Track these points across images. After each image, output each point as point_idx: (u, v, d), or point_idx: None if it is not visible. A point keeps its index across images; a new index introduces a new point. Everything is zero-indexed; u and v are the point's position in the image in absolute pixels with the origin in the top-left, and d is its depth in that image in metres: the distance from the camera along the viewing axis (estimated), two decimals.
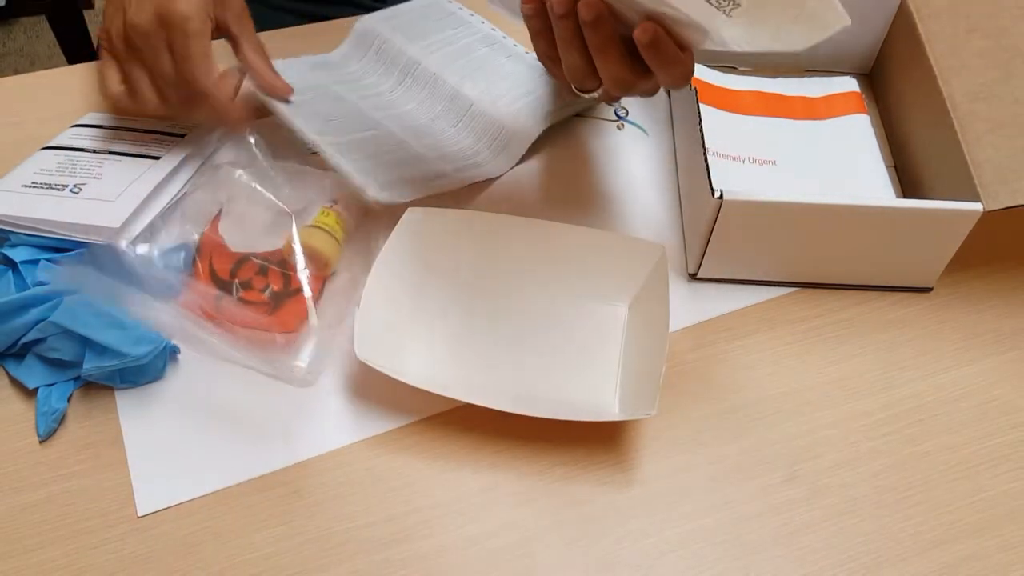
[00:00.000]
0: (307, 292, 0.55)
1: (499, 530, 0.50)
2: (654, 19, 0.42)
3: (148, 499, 0.51)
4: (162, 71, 0.57)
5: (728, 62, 0.74)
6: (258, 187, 0.60)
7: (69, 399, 0.54)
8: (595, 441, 0.54)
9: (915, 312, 0.61)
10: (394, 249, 0.58)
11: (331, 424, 0.54)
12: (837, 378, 0.58)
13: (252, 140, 0.62)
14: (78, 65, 0.76)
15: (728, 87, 0.72)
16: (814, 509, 0.52)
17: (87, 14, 0.95)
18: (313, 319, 0.54)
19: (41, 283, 0.55)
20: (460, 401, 0.52)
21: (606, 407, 0.55)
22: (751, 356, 0.58)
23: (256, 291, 0.56)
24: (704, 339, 0.59)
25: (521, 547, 0.50)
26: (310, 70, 0.69)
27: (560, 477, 0.52)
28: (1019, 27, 0.61)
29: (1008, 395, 0.57)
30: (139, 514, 0.50)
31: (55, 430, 0.53)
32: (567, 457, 0.53)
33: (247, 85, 0.62)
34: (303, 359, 0.52)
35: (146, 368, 0.54)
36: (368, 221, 0.61)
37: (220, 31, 0.59)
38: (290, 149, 0.67)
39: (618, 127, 0.73)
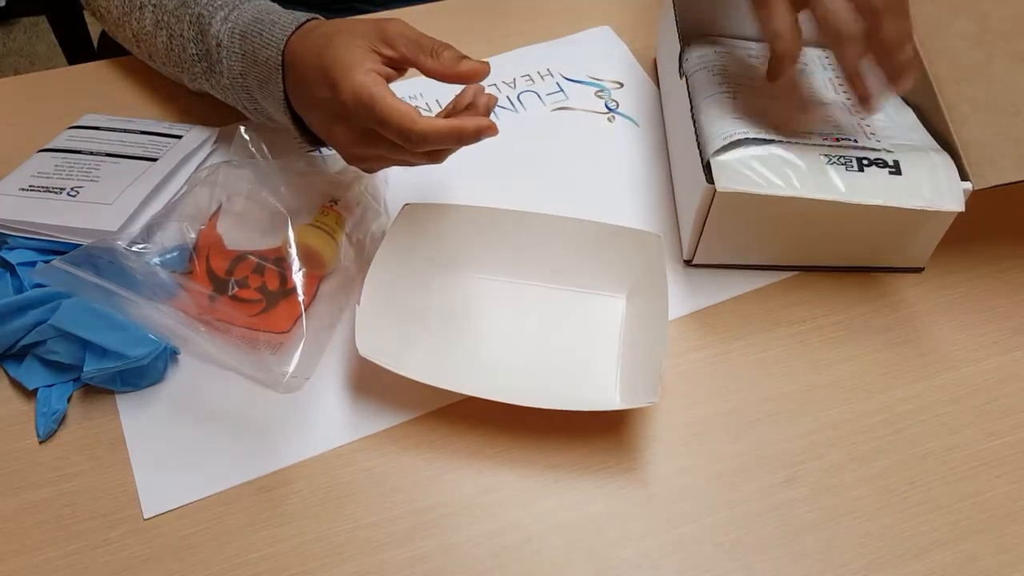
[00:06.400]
0: (300, 295, 0.55)
1: (500, 531, 0.50)
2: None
3: (153, 501, 0.51)
4: (400, 155, 0.53)
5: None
6: (256, 186, 0.59)
7: (69, 400, 0.54)
8: (596, 442, 0.54)
9: (916, 312, 0.61)
10: (392, 244, 0.58)
11: (333, 422, 0.54)
12: (838, 378, 0.57)
13: (248, 138, 0.62)
14: (78, 65, 0.76)
15: None
16: (815, 510, 0.52)
17: (87, 14, 0.94)
18: (303, 322, 0.54)
19: (39, 285, 0.55)
20: (461, 395, 0.52)
21: (607, 397, 0.55)
22: (752, 356, 0.58)
23: (252, 289, 0.56)
24: (705, 339, 0.59)
25: (522, 548, 0.50)
26: None
27: (561, 478, 0.52)
28: (1001, 10, 0.62)
29: (1009, 396, 0.57)
30: (145, 516, 0.50)
31: (55, 431, 0.53)
32: (568, 458, 0.53)
33: None
34: (290, 364, 0.51)
35: (146, 370, 0.54)
36: (366, 220, 0.61)
37: (399, 63, 0.53)
38: (290, 148, 0.67)
39: (609, 119, 0.73)
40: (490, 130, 0.51)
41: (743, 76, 0.66)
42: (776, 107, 0.63)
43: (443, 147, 0.51)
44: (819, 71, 0.70)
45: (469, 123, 0.50)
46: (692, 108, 0.61)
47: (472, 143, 0.51)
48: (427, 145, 0.50)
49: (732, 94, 0.64)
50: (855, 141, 0.60)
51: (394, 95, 0.50)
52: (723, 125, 0.60)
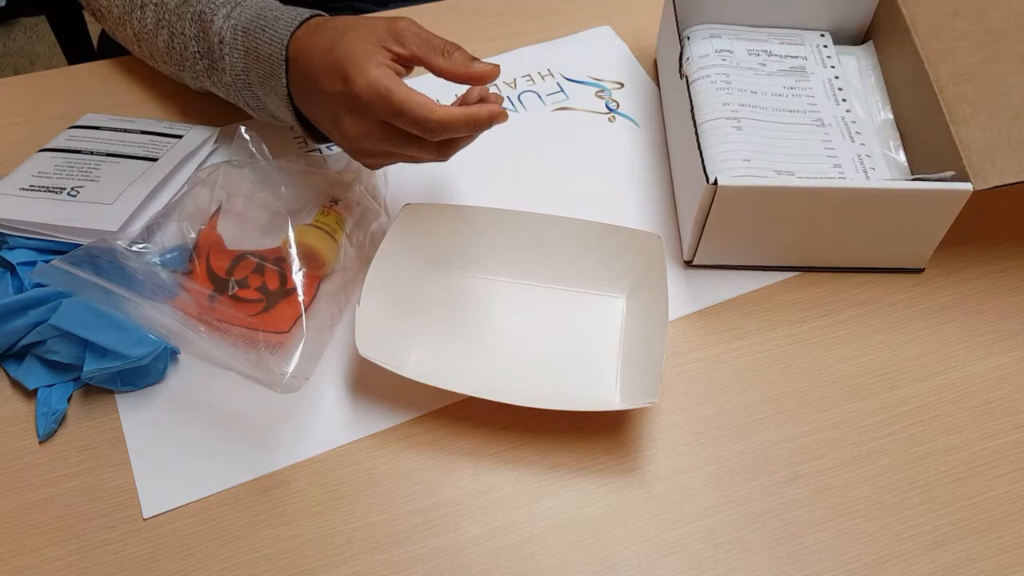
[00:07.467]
0: (300, 295, 0.55)
1: (500, 531, 0.50)
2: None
3: (153, 501, 0.51)
4: (410, 150, 0.54)
5: None
6: (256, 186, 0.60)
7: (69, 400, 0.54)
8: (596, 442, 0.54)
9: (917, 313, 0.61)
10: (392, 245, 0.58)
11: (332, 422, 0.54)
12: (839, 378, 0.57)
13: (248, 138, 0.62)
14: (78, 65, 0.76)
15: None
16: (815, 510, 0.52)
17: (87, 14, 0.94)
18: (303, 323, 0.54)
19: (39, 285, 0.55)
20: (461, 395, 0.52)
21: (607, 397, 0.55)
22: (752, 357, 0.58)
23: (252, 289, 0.56)
24: (705, 339, 0.59)
25: (522, 548, 0.50)
26: None
27: (561, 478, 0.52)
28: (1001, 11, 0.62)
29: (1010, 395, 0.57)
30: (145, 516, 0.50)
31: (55, 431, 0.53)
32: (568, 458, 0.53)
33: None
34: (290, 364, 0.51)
35: (146, 370, 0.54)
36: (366, 220, 0.61)
37: (408, 61, 0.54)
38: (290, 148, 0.67)
39: (609, 119, 0.73)
40: (501, 116, 0.52)
41: (745, 85, 0.67)
42: (778, 145, 0.64)
43: (458, 135, 0.52)
44: (819, 70, 0.70)
45: (483, 110, 0.51)
46: (695, 126, 0.62)
47: (485, 130, 0.52)
48: (445, 133, 0.51)
49: (736, 122, 0.65)
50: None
51: (408, 87, 0.50)
52: (725, 162, 0.62)
